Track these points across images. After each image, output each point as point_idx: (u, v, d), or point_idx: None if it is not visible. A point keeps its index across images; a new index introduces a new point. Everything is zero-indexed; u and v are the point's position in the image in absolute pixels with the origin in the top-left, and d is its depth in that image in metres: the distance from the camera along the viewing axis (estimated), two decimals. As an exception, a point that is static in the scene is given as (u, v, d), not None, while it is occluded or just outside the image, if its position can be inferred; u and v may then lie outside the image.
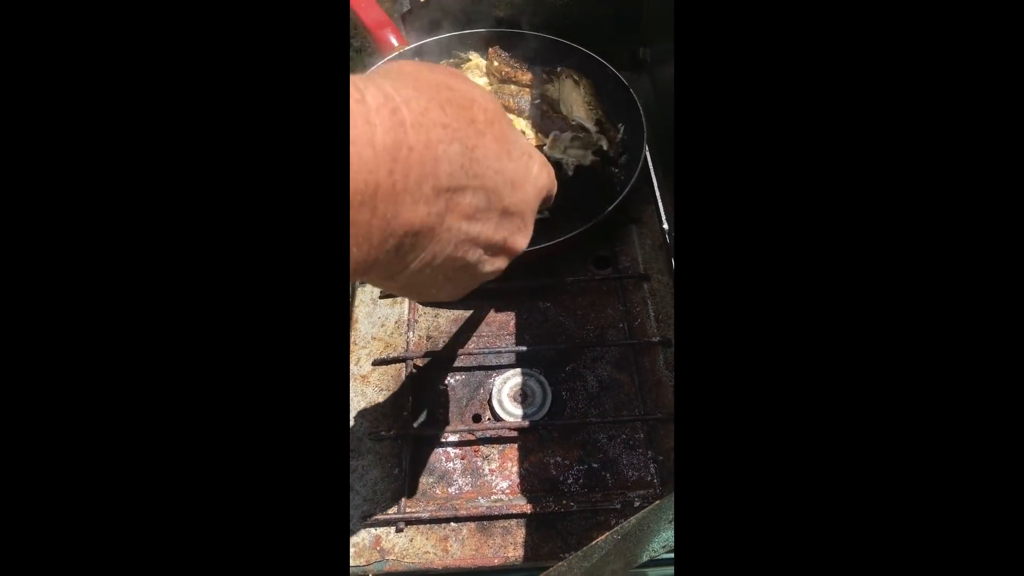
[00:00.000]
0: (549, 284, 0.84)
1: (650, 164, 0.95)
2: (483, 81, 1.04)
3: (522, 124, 0.96)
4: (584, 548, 0.42)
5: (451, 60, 1.07)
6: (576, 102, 0.97)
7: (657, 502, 0.39)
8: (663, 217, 0.90)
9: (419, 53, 1.06)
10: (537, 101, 1.00)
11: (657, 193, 0.92)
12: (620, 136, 0.95)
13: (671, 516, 0.43)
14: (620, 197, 0.84)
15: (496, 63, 1.03)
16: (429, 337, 0.81)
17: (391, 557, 0.63)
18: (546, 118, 0.96)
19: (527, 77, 1.02)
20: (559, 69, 1.02)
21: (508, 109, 0.98)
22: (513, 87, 1.01)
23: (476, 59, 1.06)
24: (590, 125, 0.95)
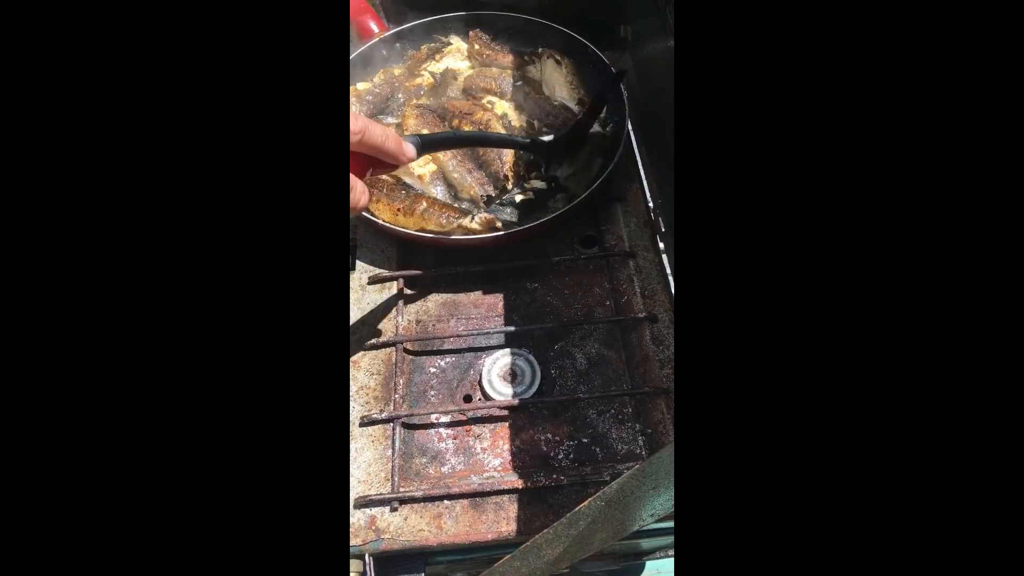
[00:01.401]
0: (536, 265, 0.85)
1: (633, 142, 0.95)
2: (464, 64, 1.04)
3: (505, 106, 0.96)
4: (568, 515, 0.43)
5: (432, 44, 1.07)
6: (558, 82, 0.97)
7: (637, 466, 0.39)
8: (648, 195, 0.91)
9: (399, 38, 1.06)
10: (519, 83, 1.00)
11: (641, 171, 0.93)
12: (603, 115, 0.95)
13: (654, 483, 0.44)
14: (604, 175, 0.84)
15: (477, 46, 1.03)
16: (418, 321, 0.81)
17: (386, 536, 0.64)
18: (528, 99, 0.96)
19: (508, 59, 1.02)
20: (540, 50, 1.01)
21: (490, 92, 0.98)
22: (495, 69, 1.01)
23: (457, 42, 1.06)
24: (572, 105, 0.95)
